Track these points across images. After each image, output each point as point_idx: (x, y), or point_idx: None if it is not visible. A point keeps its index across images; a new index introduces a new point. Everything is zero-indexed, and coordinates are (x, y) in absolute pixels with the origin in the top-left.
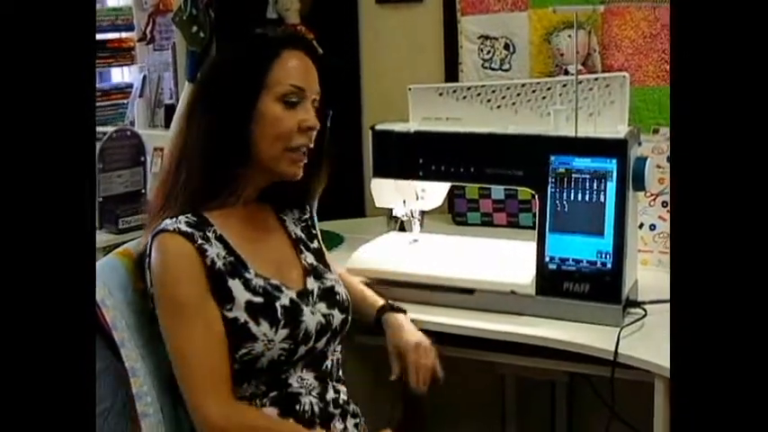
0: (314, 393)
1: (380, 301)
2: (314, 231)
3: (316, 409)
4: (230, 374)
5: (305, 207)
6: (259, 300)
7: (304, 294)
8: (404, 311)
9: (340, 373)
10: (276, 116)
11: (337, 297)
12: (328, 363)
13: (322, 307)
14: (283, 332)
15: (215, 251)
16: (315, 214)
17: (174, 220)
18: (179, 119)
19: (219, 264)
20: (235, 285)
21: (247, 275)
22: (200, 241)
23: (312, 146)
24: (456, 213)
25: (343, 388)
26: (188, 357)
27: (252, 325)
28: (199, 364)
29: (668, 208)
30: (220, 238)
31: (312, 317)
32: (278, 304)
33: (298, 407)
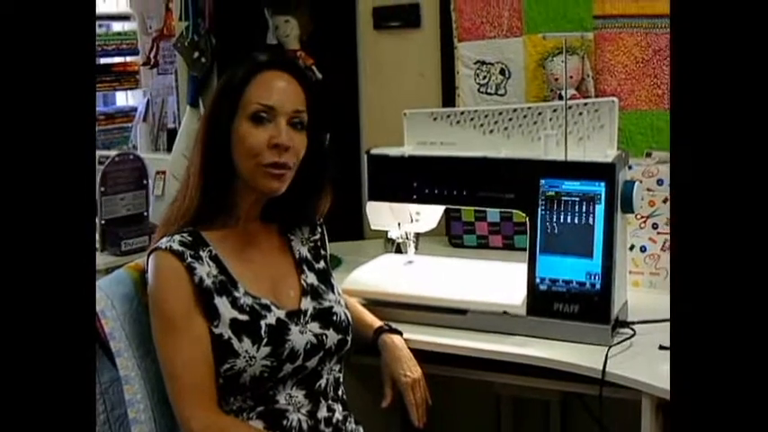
0: (303, 411)
1: (377, 323)
2: (323, 252)
3: (304, 426)
4: (215, 387)
5: (316, 227)
6: (244, 317)
7: (295, 314)
8: (400, 333)
9: (339, 392)
10: (245, 134)
11: (334, 318)
12: (322, 381)
13: (314, 327)
14: (266, 350)
15: (205, 270)
16: (326, 235)
17: (170, 238)
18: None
19: (208, 282)
20: (221, 303)
21: (236, 294)
22: (189, 260)
23: (290, 163)
24: (452, 236)
25: (339, 407)
26: (174, 369)
27: (234, 341)
28: (183, 376)
29: (659, 230)
30: (215, 258)
31: (301, 336)
32: (263, 323)
33: (285, 422)
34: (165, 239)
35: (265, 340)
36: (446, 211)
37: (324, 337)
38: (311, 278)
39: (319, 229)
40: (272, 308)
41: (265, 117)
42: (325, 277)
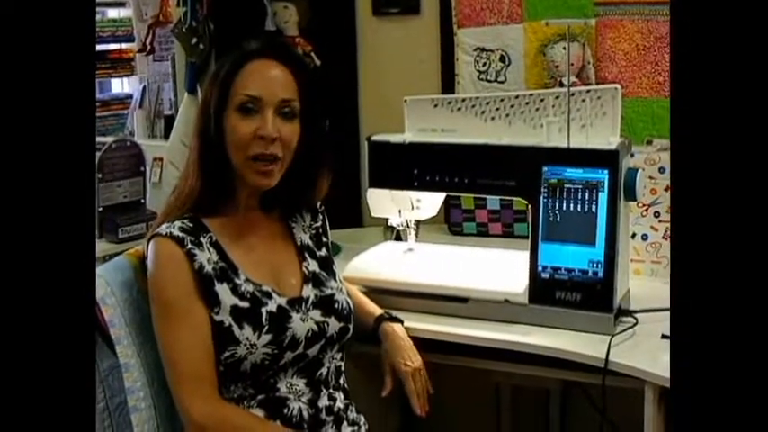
0: (304, 399)
1: (378, 311)
2: (324, 239)
3: (305, 414)
4: (215, 374)
5: (317, 214)
6: (245, 305)
7: (297, 302)
8: (401, 321)
9: (340, 380)
10: (234, 126)
11: (335, 305)
12: (323, 370)
13: (316, 314)
14: (266, 337)
15: (205, 256)
16: (327, 222)
17: (170, 224)
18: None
19: (208, 268)
20: (222, 290)
21: (237, 281)
22: (189, 246)
23: (279, 154)
24: (452, 224)
25: (340, 396)
26: (174, 356)
27: (235, 328)
28: (183, 363)
29: (660, 218)
30: (215, 244)
31: (302, 324)
32: (264, 310)
33: (285, 410)
34: (165, 225)
35: (266, 327)
36: (445, 198)
37: (325, 324)
38: (313, 265)
39: (321, 216)
40: (274, 295)
41: (252, 108)
42: (326, 264)
